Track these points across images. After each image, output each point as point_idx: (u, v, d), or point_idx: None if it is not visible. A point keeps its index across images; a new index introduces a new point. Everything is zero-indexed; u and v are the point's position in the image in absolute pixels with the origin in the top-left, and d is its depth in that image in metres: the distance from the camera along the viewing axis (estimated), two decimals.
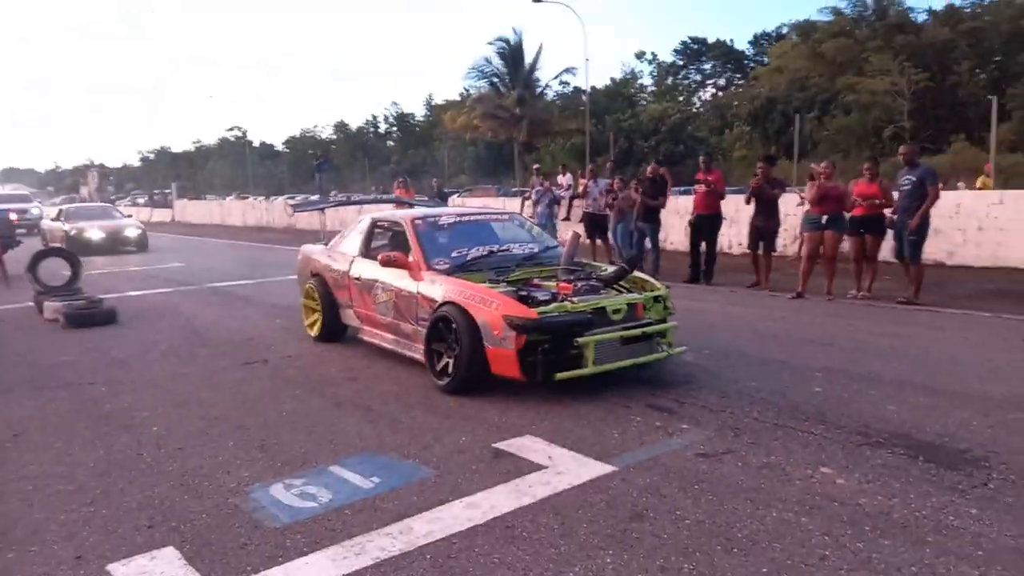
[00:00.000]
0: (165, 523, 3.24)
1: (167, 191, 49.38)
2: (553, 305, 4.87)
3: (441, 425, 4.45)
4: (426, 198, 15.08)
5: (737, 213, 11.46)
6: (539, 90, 46.55)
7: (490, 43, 47.15)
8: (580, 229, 10.18)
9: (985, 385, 5.03)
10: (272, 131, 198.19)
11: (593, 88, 52.61)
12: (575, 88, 53.05)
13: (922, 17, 46.95)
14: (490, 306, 4.83)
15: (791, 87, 48.36)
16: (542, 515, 3.20)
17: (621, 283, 5.51)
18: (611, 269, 5.84)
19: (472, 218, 6.65)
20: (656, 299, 5.36)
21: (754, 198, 9.79)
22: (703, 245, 10.69)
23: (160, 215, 39.29)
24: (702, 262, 10.67)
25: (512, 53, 44.58)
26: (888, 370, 5.45)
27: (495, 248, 6.02)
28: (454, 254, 5.77)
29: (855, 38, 46.95)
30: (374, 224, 6.66)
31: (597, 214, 12.77)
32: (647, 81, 67.36)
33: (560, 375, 4.71)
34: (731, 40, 66.40)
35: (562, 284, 5.26)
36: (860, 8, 49.26)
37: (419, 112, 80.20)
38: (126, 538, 3.12)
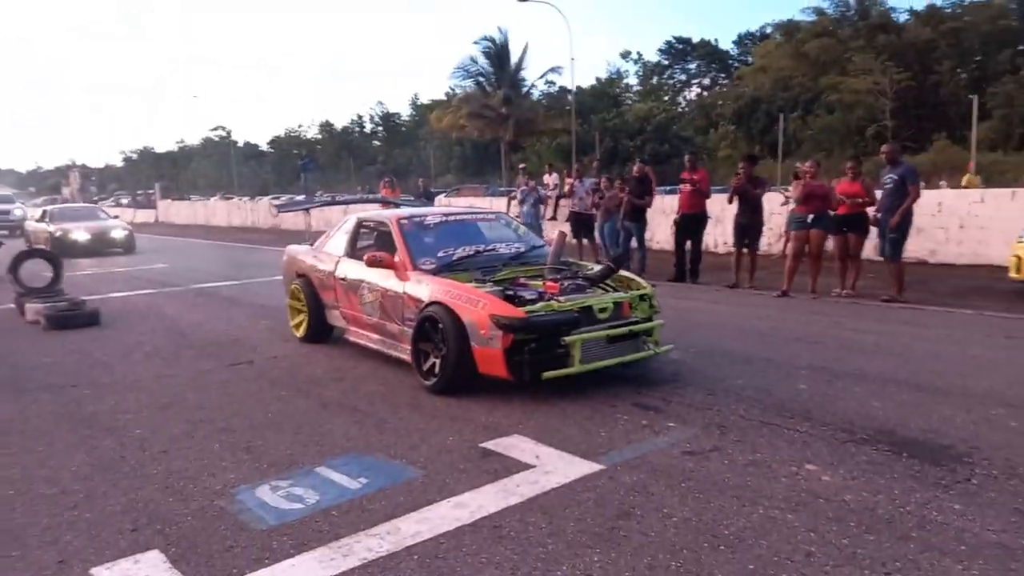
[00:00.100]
0: (149, 526, 3.21)
1: (150, 191, 48.98)
2: (540, 304, 4.87)
3: (428, 425, 4.44)
4: (412, 198, 15.04)
5: (723, 212, 11.52)
6: (525, 89, 46.67)
7: (476, 42, 47.25)
8: (566, 228, 10.20)
9: (967, 381, 5.08)
10: (256, 131, 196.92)
11: (579, 88, 52.77)
12: (561, 88, 53.21)
13: (904, 17, 47.48)
14: (477, 305, 4.83)
15: (775, 87, 48.71)
16: (530, 514, 3.20)
17: (607, 282, 5.52)
18: (597, 268, 5.85)
19: (458, 218, 6.64)
20: (642, 298, 5.37)
21: (737, 197, 9.85)
22: (688, 244, 10.74)
23: (143, 216, 38.95)
24: (687, 261, 10.71)
25: (498, 52, 44.65)
26: (872, 367, 5.50)
27: (481, 248, 6.01)
28: (440, 254, 5.75)
29: (838, 38, 47.37)
30: (360, 224, 6.64)
31: (583, 213, 12.79)
32: (632, 81, 67.69)
33: (547, 374, 4.71)
34: (715, 40, 66.83)
35: (548, 283, 5.26)
36: (843, 8, 49.73)
37: (405, 112, 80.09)
38: (110, 542, 3.09)
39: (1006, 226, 10.09)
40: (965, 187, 16.28)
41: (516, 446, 4.00)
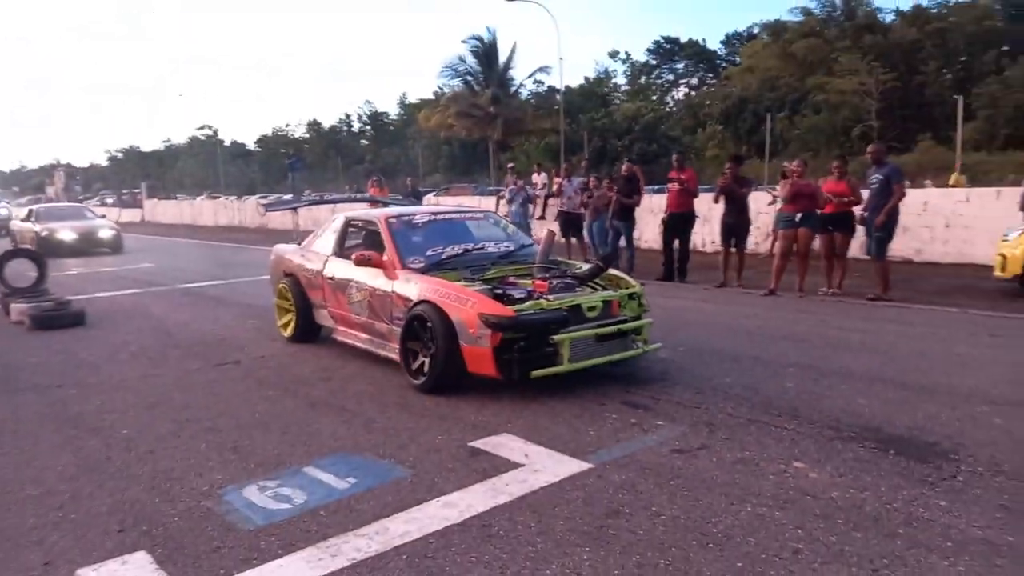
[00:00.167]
0: (136, 527, 3.19)
1: (136, 191, 48.62)
2: (529, 303, 4.87)
3: (417, 424, 4.43)
4: (400, 197, 14.99)
5: (710, 211, 11.56)
6: (513, 89, 46.66)
7: (464, 41, 47.20)
8: (555, 228, 10.20)
9: (953, 379, 5.12)
10: (244, 130, 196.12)
11: (567, 87, 52.79)
12: (549, 87, 53.24)
13: (890, 18, 47.80)
14: (466, 304, 4.82)
15: (762, 87, 48.94)
16: (519, 513, 3.20)
17: (596, 280, 5.53)
18: (586, 267, 5.85)
19: (447, 217, 6.63)
20: (631, 296, 5.38)
21: (723, 197, 9.91)
22: (676, 243, 10.77)
23: (129, 215, 38.63)
24: (675, 260, 10.75)
25: (486, 52, 44.62)
26: (859, 365, 5.53)
27: (470, 246, 6.00)
28: (429, 253, 5.74)
29: (824, 38, 47.65)
30: (348, 223, 6.61)
31: (572, 212, 12.81)
32: (621, 80, 67.82)
33: (536, 373, 4.71)
34: (703, 40, 67.07)
35: (537, 282, 5.26)
36: (829, 8, 50.01)
37: (393, 111, 79.91)
38: (96, 543, 3.06)
39: (991, 225, 10.18)
40: (952, 186, 16.41)
41: (505, 445, 4.00)
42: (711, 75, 66.30)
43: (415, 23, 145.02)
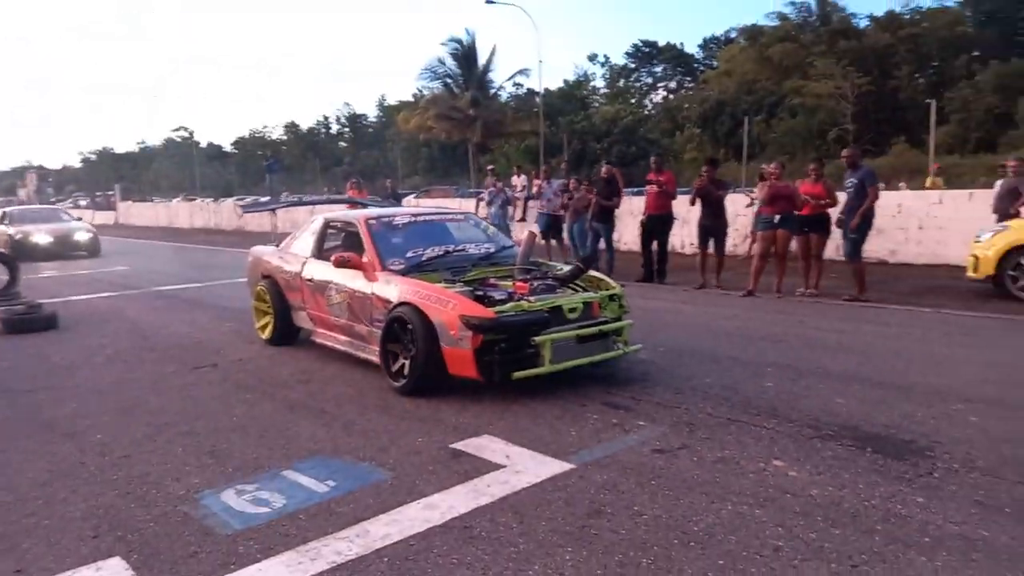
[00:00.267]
0: (111, 533, 3.13)
1: (110, 193, 47.97)
2: (509, 304, 4.86)
3: (397, 427, 4.40)
4: (379, 199, 14.92)
5: (688, 213, 11.63)
6: (493, 91, 46.57)
7: (443, 43, 47.07)
8: (536, 229, 10.21)
9: (928, 378, 5.19)
10: (220, 131, 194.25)
11: (546, 90, 52.89)
12: (528, 90, 53.27)
13: (864, 23, 48.41)
14: (446, 306, 4.80)
15: (739, 90, 49.35)
16: (501, 514, 3.18)
17: (577, 282, 5.53)
18: (567, 268, 5.85)
19: (427, 218, 6.60)
20: (611, 298, 5.39)
21: (700, 199, 9.99)
22: (655, 245, 10.83)
23: (103, 217, 38.12)
24: (655, 261, 10.80)
25: (465, 54, 44.51)
26: (836, 365, 5.59)
27: (450, 248, 5.98)
28: (409, 254, 5.71)
29: (800, 43, 48.18)
30: (327, 225, 6.56)
31: (552, 214, 12.82)
32: (600, 83, 68.06)
33: (518, 374, 4.70)
34: (681, 44, 67.63)
35: (518, 283, 5.25)
36: (805, 14, 50.58)
37: (371, 113, 79.59)
38: (70, 549, 3.00)
39: (964, 227, 10.34)
40: (930, 188, 16.63)
41: (486, 446, 3.99)
42: (689, 79, 66.78)
43: (393, 25, 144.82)
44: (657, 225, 10.77)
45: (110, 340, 7.35)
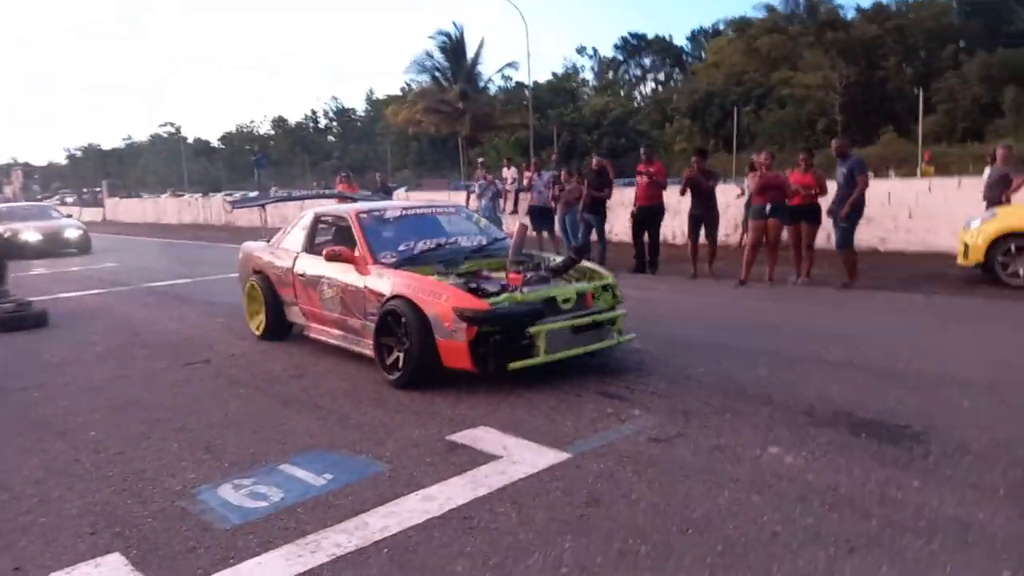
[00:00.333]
0: (109, 529, 3.12)
1: (97, 189, 47.63)
2: (503, 296, 4.86)
3: (392, 420, 4.39)
4: (369, 193, 14.87)
5: (679, 204, 11.65)
6: (481, 84, 46.50)
7: (431, 37, 46.87)
8: (527, 221, 10.18)
9: (920, 364, 5.22)
10: (207, 127, 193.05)
11: (536, 83, 52.81)
12: (517, 83, 53.26)
13: (851, 14, 48.58)
14: (440, 298, 4.79)
15: (728, 81, 49.47)
16: (499, 504, 3.19)
17: (570, 272, 5.53)
18: (559, 259, 5.85)
19: (418, 211, 6.57)
20: (605, 288, 5.40)
21: (690, 190, 10.02)
22: (646, 236, 10.84)
23: (90, 214, 37.80)
24: (647, 252, 10.82)
25: (454, 47, 44.41)
26: (829, 352, 5.62)
27: (443, 241, 5.97)
28: (401, 247, 5.69)
29: (788, 34, 48.31)
30: (317, 219, 6.53)
31: (543, 207, 12.81)
32: (589, 76, 68.07)
33: (513, 365, 4.69)
34: (670, 36, 67.74)
35: (511, 275, 5.24)
36: (792, 5, 50.67)
37: (360, 107, 79.26)
38: (68, 546, 2.99)
39: (953, 214, 10.41)
40: (922, 176, 16.73)
41: (483, 438, 3.99)
42: (678, 70, 66.88)
43: (393, 25, 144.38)
44: (648, 216, 10.78)
45: (101, 337, 7.30)
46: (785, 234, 9.28)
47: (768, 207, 8.96)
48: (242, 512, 3.22)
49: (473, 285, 5.06)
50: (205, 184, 62.32)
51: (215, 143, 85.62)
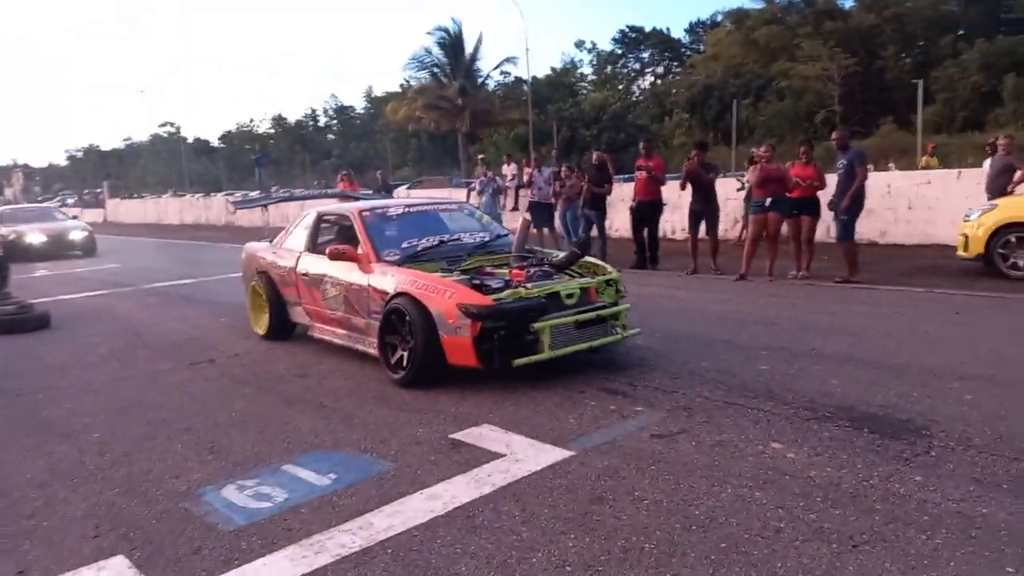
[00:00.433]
0: (113, 531, 3.13)
1: (98, 190, 47.63)
2: (507, 292, 4.85)
3: (396, 419, 4.40)
4: (371, 191, 14.87)
5: (679, 199, 11.64)
6: (480, 80, 46.34)
7: (429, 32, 46.73)
8: (528, 217, 10.18)
9: (921, 357, 5.23)
10: (207, 126, 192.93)
11: (534, 78, 52.72)
12: (516, 78, 53.13)
13: (849, 3, 48.42)
14: (444, 295, 4.79)
15: (727, 74, 49.37)
16: (503, 503, 3.20)
17: (573, 268, 5.54)
18: (562, 254, 5.86)
19: (421, 209, 6.57)
20: (608, 283, 5.40)
21: (690, 183, 10.00)
22: (646, 231, 10.84)
23: (91, 215, 37.77)
24: (647, 247, 10.82)
25: (452, 43, 44.22)
26: (830, 346, 5.62)
27: (445, 238, 5.97)
28: (404, 245, 5.70)
29: (786, 25, 48.17)
30: (320, 218, 6.54)
31: (543, 203, 12.81)
32: (587, 70, 67.96)
33: (517, 361, 4.70)
34: (668, 29, 67.47)
35: (515, 271, 5.24)
36: None
37: (359, 105, 79.18)
38: (72, 549, 3.00)
39: (953, 206, 10.40)
40: (925, 168, 16.65)
41: (486, 436, 4.00)
42: (676, 63, 66.74)
43: (393, 24, 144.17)
44: (647, 211, 10.78)
45: (103, 338, 7.31)
46: (785, 228, 9.28)
47: (768, 200, 8.96)
48: (246, 513, 3.23)
49: (477, 281, 5.06)
50: (206, 184, 62.30)
51: (215, 143, 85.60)
